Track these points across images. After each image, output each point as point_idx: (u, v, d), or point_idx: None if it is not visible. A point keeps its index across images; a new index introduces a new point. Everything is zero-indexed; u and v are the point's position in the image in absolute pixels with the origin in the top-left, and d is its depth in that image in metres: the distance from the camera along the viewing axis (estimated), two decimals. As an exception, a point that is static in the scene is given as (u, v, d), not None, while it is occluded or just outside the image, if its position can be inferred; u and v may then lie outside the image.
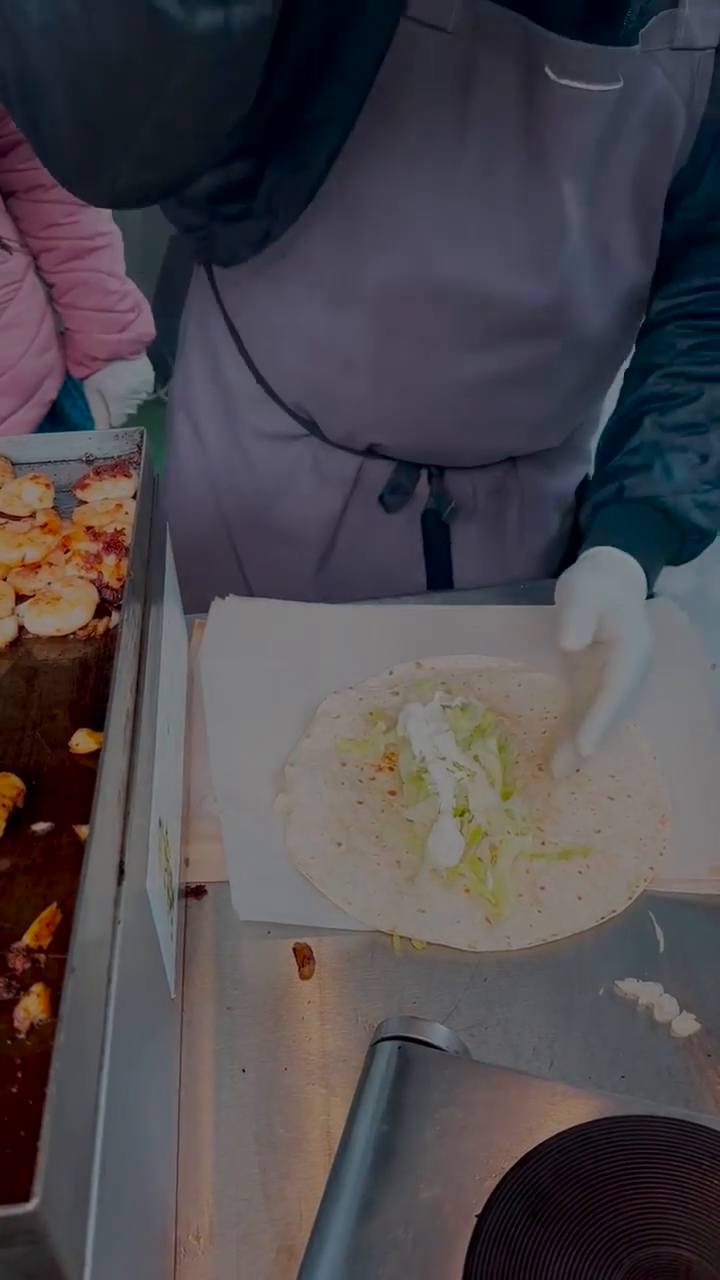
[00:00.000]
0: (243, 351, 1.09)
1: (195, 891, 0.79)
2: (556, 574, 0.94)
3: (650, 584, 0.93)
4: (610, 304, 1.00)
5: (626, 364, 1.08)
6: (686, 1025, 0.70)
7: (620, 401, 1.04)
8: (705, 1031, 0.69)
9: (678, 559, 0.98)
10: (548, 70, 0.81)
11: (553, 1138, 0.54)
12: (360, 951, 0.75)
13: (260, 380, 1.10)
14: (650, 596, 0.93)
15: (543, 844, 0.82)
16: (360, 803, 0.85)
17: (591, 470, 1.24)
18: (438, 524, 1.16)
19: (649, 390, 0.99)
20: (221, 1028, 0.71)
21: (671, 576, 1.05)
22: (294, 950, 0.75)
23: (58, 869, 0.54)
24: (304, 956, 0.75)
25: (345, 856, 0.81)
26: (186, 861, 0.80)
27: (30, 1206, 0.35)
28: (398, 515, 1.15)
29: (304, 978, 0.74)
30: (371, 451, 1.10)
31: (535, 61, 0.81)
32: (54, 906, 0.51)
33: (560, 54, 0.80)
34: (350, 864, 0.80)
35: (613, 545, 0.92)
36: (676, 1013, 0.70)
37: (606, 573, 0.90)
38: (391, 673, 0.99)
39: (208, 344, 1.13)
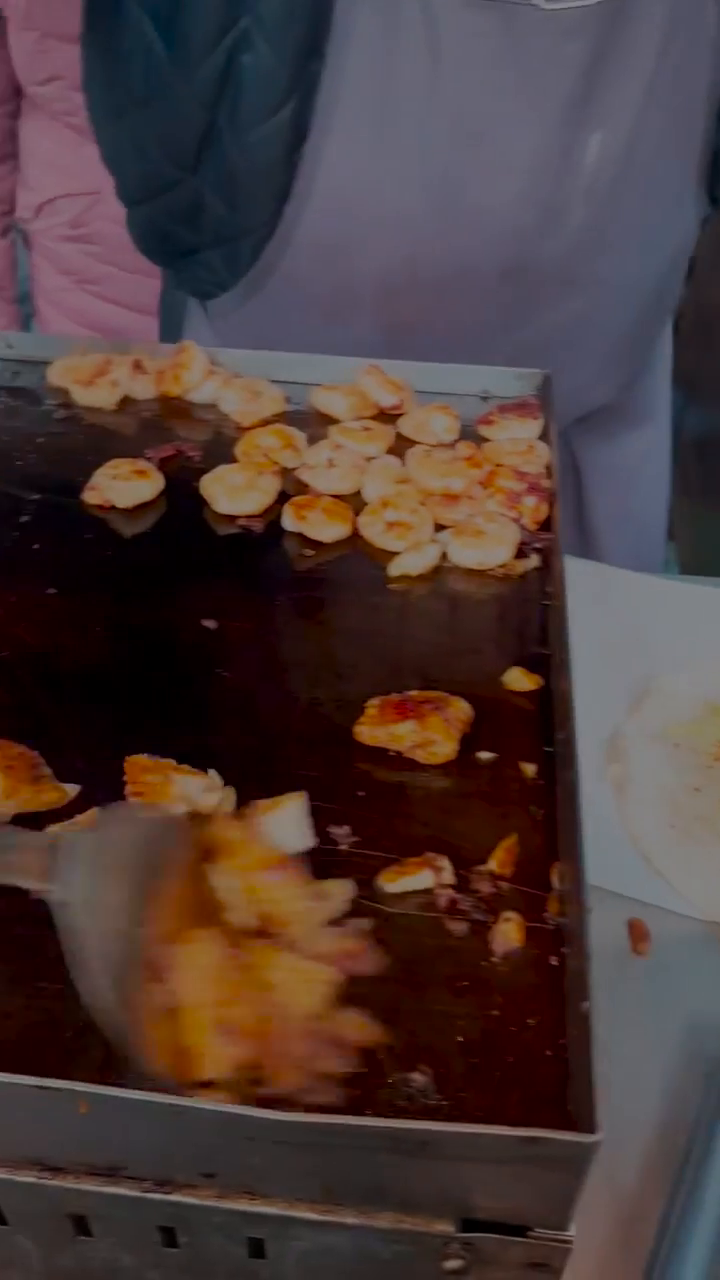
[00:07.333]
0: None
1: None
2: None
3: None
4: (653, 243, 0.89)
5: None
6: None
7: None
8: None
9: None
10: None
11: None
12: (696, 941, 0.74)
13: None
14: None
15: None
16: (697, 790, 0.83)
17: (663, 437, 1.14)
18: None
19: None
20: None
21: None
22: (630, 925, 0.74)
23: (507, 801, 0.54)
24: (641, 933, 0.73)
25: (679, 841, 0.79)
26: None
27: (596, 1137, 0.36)
28: None
29: (639, 954, 0.73)
30: None
31: None
32: (515, 837, 0.52)
33: None
34: (684, 850, 0.79)
35: None
36: None
37: None
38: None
39: None
